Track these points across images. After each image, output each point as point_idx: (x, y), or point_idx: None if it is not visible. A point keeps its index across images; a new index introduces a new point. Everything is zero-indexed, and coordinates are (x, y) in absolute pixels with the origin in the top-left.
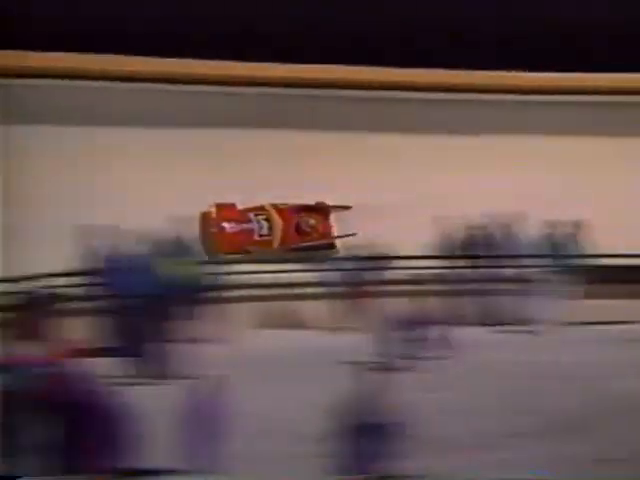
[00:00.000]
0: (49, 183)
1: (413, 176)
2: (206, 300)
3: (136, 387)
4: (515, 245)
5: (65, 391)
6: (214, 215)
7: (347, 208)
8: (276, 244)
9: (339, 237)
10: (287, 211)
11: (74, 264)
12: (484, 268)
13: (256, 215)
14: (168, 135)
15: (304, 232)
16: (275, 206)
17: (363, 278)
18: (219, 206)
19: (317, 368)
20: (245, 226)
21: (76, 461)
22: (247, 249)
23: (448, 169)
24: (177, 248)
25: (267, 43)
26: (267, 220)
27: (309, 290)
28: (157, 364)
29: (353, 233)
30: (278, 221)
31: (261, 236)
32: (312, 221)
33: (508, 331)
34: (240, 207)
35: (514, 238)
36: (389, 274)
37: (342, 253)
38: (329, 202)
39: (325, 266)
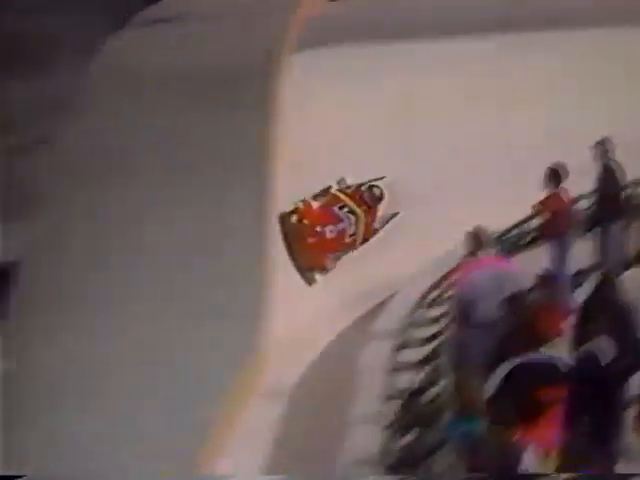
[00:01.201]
0: None
1: None
2: None
3: None
4: None
5: None
6: (305, 216)
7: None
8: (358, 242)
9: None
10: (359, 195)
11: None
12: None
13: (341, 208)
14: None
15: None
16: (343, 191)
17: None
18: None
19: None
20: (340, 226)
21: None
22: (336, 257)
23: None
24: None
25: None
26: (352, 213)
27: None
28: None
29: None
30: (360, 213)
31: (350, 236)
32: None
33: None
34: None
35: None
36: None
37: None
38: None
39: None
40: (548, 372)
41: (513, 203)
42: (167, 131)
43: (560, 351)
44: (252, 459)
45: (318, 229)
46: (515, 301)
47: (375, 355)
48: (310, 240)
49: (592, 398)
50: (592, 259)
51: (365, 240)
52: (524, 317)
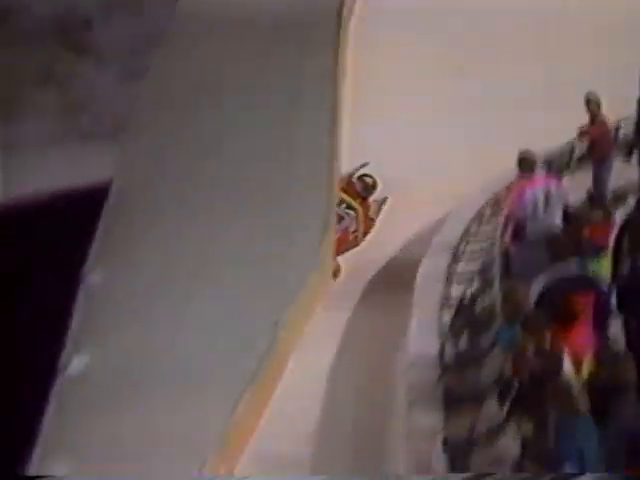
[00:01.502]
0: None
1: None
2: None
3: None
4: None
5: None
6: None
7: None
8: (360, 238)
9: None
10: (352, 187)
11: None
12: None
13: (339, 205)
14: None
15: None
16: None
17: None
18: None
19: None
20: (343, 225)
21: None
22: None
23: None
24: None
25: None
26: (350, 208)
27: None
28: None
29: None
30: (358, 207)
31: (353, 232)
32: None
33: None
34: None
35: None
36: None
37: None
38: None
39: None
40: (582, 281)
41: (560, 128)
42: (249, 71)
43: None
44: (317, 365)
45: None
46: (565, 216)
47: (433, 266)
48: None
49: (629, 309)
50: (632, 180)
51: (365, 234)
52: (573, 231)
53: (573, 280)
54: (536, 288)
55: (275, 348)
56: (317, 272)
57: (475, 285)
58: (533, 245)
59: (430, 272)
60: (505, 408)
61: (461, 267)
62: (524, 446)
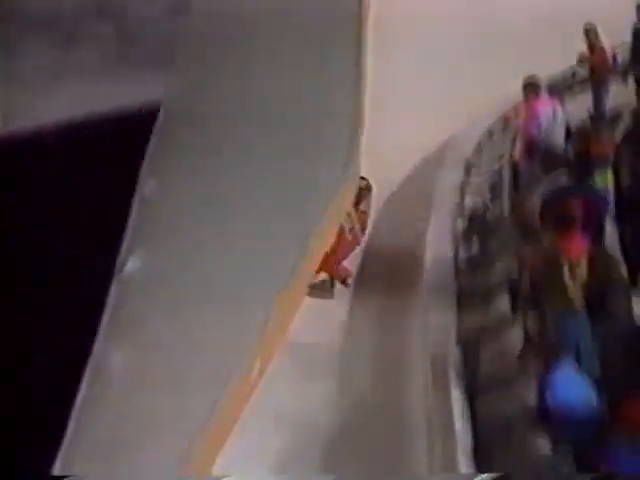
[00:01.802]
0: None
1: None
2: None
3: None
4: None
5: None
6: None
7: None
8: (359, 236)
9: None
10: None
11: None
12: None
13: None
14: None
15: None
16: None
17: None
18: None
19: None
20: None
21: None
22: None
23: None
24: None
25: None
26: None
27: None
28: None
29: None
30: (351, 210)
31: (350, 231)
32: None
33: None
34: None
35: None
36: None
37: None
38: None
39: None
40: (579, 190)
41: (561, 53)
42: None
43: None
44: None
45: None
46: (568, 134)
47: (449, 179)
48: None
49: (627, 219)
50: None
51: (363, 229)
52: (576, 147)
53: (571, 188)
54: (538, 197)
55: (306, 256)
56: (347, 181)
57: (487, 196)
58: (543, 160)
59: (446, 184)
60: (511, 306)
61: (474, 180)
62: (527, 339)
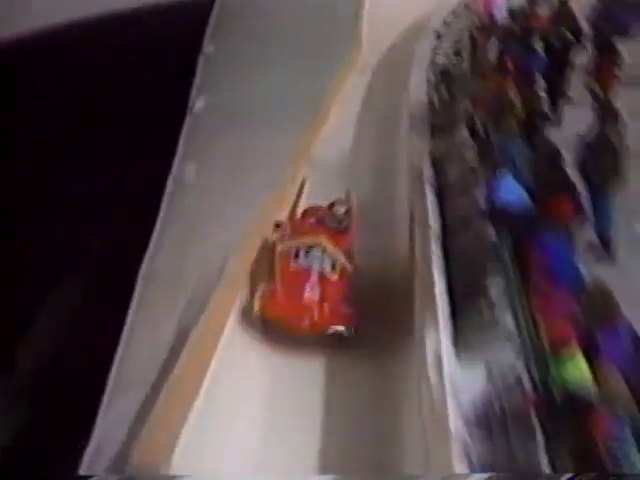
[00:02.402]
0: None
1: None
2: None
3: None
4: None
5: None
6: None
7: None
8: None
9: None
10: (309, 225)
11: None
12: None
13: (296, 257)
14: None
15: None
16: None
17: None
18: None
19: None
20: (312, 280)
21: None
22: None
23: None
24: None
25: None
26: (311, 248)
27: None
28: None
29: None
30: (322, 239)
31: (332, 270)
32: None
33: None
34: None
35: None
36: None
37: None
38: None
39: None
40: (519, 49)
41: None
42: None
43: None
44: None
45: (293, 319)
46: (512, 13)
47: (426, 45)
48: (295, 324)
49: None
50: None
51: (350, 259)
52: (520, 23)
53: (512, 46)
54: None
55: (324, 97)
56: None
57: (452, 57)
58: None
59: (424, 47)
60: (469, 133)
61: (443, 43)
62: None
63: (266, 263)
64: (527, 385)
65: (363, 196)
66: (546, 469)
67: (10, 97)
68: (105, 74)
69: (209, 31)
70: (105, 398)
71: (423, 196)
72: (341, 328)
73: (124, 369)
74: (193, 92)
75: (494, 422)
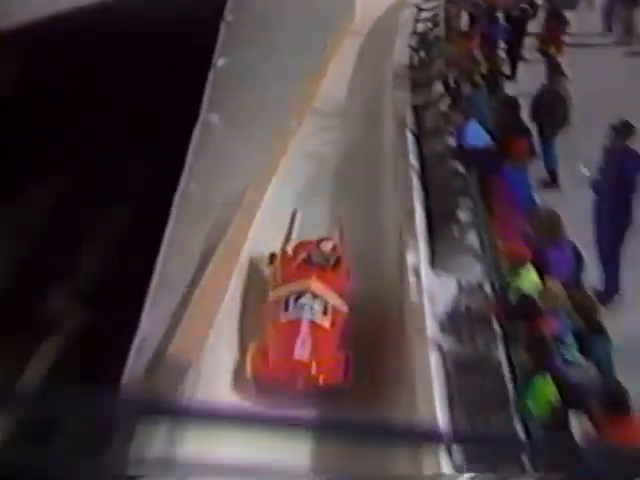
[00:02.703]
0: None
1: None
2: None
3: None
4: None
5: None
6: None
7: None
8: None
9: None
10: (309, 262)
11: None
12: None
13: (286, 309)
14: None
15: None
16: (289, 255)
17: None
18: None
19: None
20: (304, 332)
21: None
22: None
23: None
24: None
25: None
26: (300, 296)
27: None
28: None
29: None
30: (310, 283)
31: (325, 315)
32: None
33: None
34: None
35: None
36: None
37: None
38: None
39: None
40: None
41: None
42: None
43: None
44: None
45: (285, 380)
46: None
47: (408, 14)
48: (288, 386)
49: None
50: None
51: (343, 297)
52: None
53: (479, 17)
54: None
55: (323, 57)
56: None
57: (430, 25)
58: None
59: (406, 17)
60: (444, 88)
61: (422, 15)
62: (451, 107)
63: (257, 317)
64: (489, 293)
65: (354, 139)
66: (503, 360)
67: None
68: (141, 43)
69: (229, 4)
70: (147, 303)
71: (405, 138)
72: (336, 382)
73: (163, 279)
74: (216, 53)
75: (462, 323)
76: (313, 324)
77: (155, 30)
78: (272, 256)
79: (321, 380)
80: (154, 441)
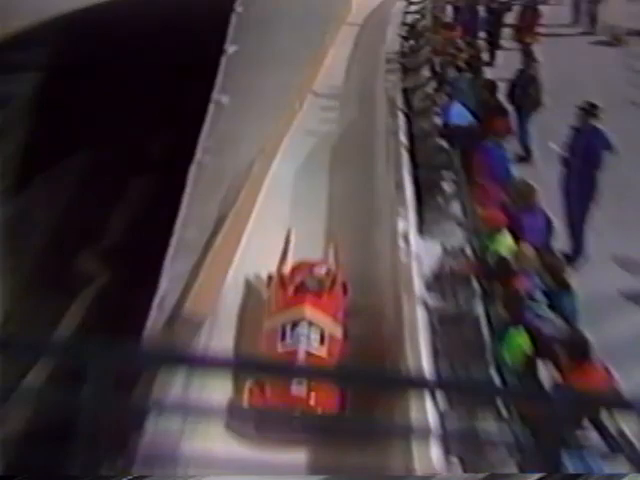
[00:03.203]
0: None
1: None
2: None
3: None
4: None
5: None
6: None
7: None
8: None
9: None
10: (303, 288)
11: None
12: None
13: (283, 338)
14: None
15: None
16: (286, 278)
17: None
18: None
19: None
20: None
21: None
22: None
23: None
24: None
25: None
26: (295, 325)
27: None
28: None
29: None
30: (304, 309)
31: (321, 345)
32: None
33: None
34: None
35: None
36: None
37: None
38: None
39: None
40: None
41: None
42: None
43: None
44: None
45: (282, 413)
46: None
47: (398, 7)
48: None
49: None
50: None
51: (338, 323)
52: None
53: (462, 9)
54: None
55: (322, 44)
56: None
57: (418, 16)
58: None
59: (397, 9)
60: (431, 73)
61: (412, 8)
62: (436, 90)
63: (253, 348)
64: (470, 255)
65: (350, 118)
66: (482, 315)
67: None
68: (163, 33)
69: None
70: (166, 264)
71: (396, 117)
72: (334, 411)
73: (180, 242)
74: (227, 41)
75: (446, 283)
76: (309, 355)
77: (174, 22)
78: (270, 278)
79: (319, 411)
80: (172, 386)
